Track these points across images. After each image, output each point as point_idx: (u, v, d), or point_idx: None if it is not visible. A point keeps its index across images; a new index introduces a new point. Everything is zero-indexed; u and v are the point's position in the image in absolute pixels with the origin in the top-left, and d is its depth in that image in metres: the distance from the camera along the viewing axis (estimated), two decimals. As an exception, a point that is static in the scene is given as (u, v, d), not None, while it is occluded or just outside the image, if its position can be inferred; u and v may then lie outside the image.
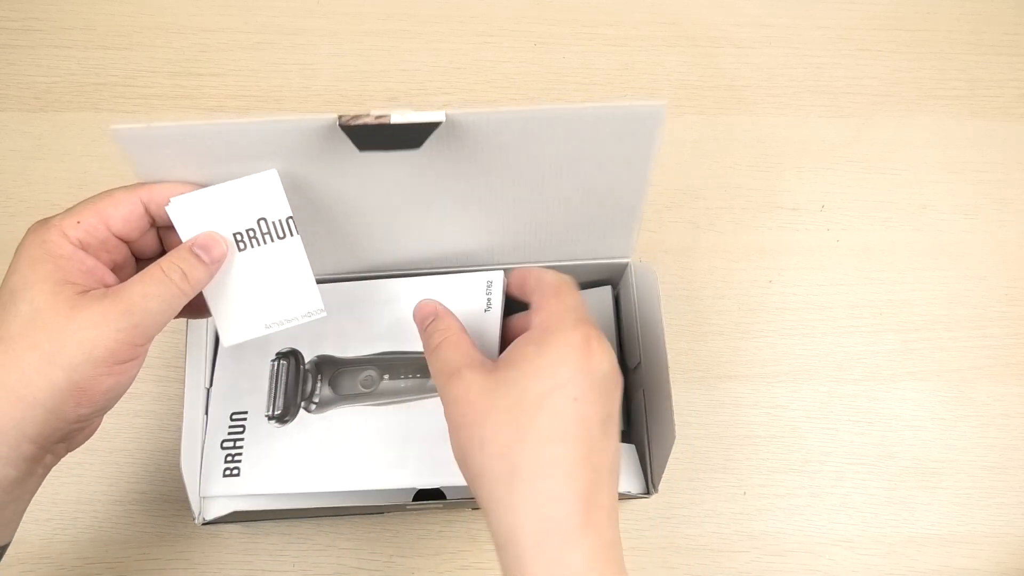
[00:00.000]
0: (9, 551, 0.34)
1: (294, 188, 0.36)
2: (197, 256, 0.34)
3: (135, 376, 0.34)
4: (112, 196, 0.34)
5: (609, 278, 0.49)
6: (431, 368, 0.36)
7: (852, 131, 0.60)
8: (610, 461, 0.32)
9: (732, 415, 0.53)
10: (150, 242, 0.36)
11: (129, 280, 0.33)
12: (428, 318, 0.38)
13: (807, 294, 0.56)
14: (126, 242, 0.35)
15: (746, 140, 0.59)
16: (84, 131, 0.58)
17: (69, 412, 0.31)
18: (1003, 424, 0.53)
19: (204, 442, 0.42)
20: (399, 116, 0.33)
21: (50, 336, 0.31)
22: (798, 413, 0.53)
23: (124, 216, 0.34)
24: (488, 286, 0.42)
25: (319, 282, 0.38)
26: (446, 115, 0.33)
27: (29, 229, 0.33)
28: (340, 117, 0.33)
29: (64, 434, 0.33)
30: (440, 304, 0.38)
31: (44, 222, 0.33)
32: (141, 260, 0.36)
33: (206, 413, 0.43)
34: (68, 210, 0.34)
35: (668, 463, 0.40)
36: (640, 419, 0.44)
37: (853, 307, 0.55)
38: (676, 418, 0.40)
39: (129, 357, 0.32)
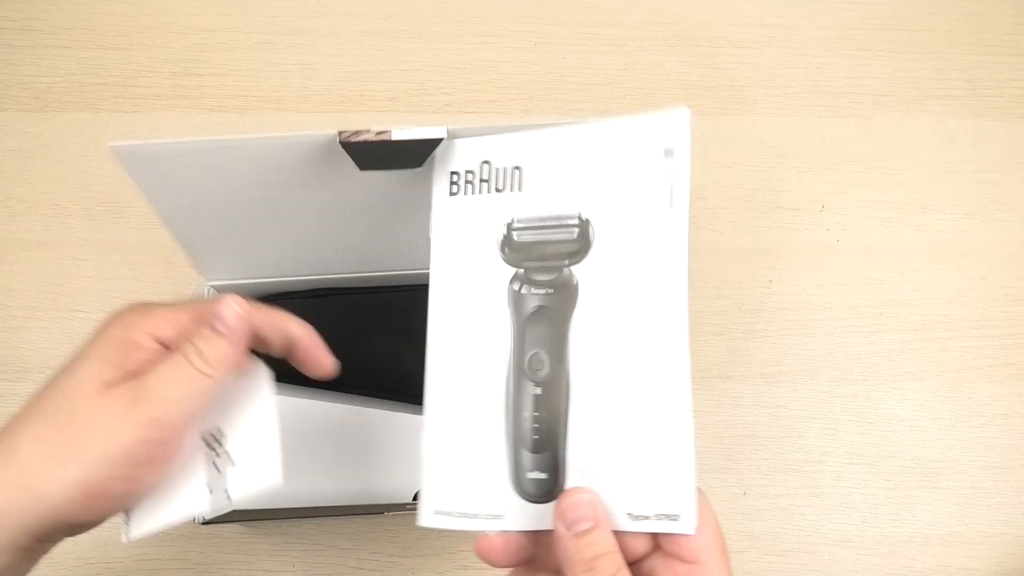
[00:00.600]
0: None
1: (295, 202, 0.36)
2: (211, 327, 0.30)
3: (153, 486, 0.30)
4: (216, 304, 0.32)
5: None
6: None
7: (852, 131, 0.60)
8: None
9: (732, 415, 0.52)
10: None
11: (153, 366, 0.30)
12: (583, 522, 0.28)
13: (807, 294, 0.56)
14: None
15: (746, 140, 0.59)
16: (84, 131, 0.58)
17: (73, 515, 0.28)
18: (1003, 424, 0.53)
19: None
20: (400, 132, 0.32)
21: (75, 423, 0.28)
22: (798, 413, 0.53)
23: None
24: (668, 153, 0.32)
25: (319, 284, 0.37)
26: (447, 131, 0.32)
27: (127, 305, 0.31)
28: (340, 133, 0.32)
29: (64, 531, 0.30)
30: (599, 503, 0.29)
31: (142, 304, 0.31)
32: None
33: None
34: (171, 305, 0.32)
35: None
36: None
37: (853, 307, 0.55)
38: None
39: (146, 459, 0.29)
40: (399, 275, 0.45)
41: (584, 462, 0.31)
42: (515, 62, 0.61)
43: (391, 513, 0.41)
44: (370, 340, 0.46)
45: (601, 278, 0.31)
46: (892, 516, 0.51)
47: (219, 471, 0.31)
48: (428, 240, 0.37)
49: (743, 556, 0.50)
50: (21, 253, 0.55)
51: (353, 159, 0.33)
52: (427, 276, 0.45)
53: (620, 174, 0.31)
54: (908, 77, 0.62)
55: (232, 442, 0.32)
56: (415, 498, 0.41)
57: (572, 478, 0.31)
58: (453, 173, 0.33)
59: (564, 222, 0.32)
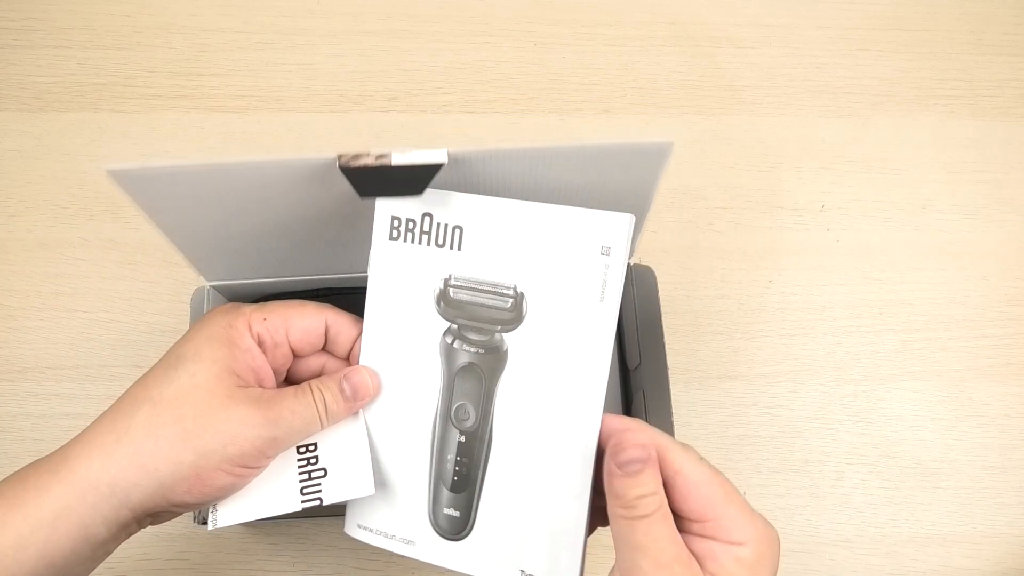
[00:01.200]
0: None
1: (295, 216, 0.36)
2: (342, 391, 0.34)
3: (241, 488, 0.34)
4: (303, 307, 0.36)
5: None
6: (626, 531, 0.29)
7: (852, 131, 0.60)
8: None
9: (732, 415, 0.52)
10: (312, 365, 0.37)
11: (283, 391, 0.34)
12: (636, 462, 0.29)
13: (807, 294, 0.56)
14: (294, 354, 0.36)
15: (746, 140, 0.59)
16: (84, 131, 0.58)
17: (177, 495, 0.31)
18: (1003, 424, 0.53)
19: None
20: (400, 157, 0.32)
21: (197, 416, 0.31)
22: (798, 413, 0.53)
23: (305, 329, 0.35)
24: (604, 252, 0.32)
25: (318, 284, 0.37)
26: (448, 155, 0.32)
27: (221, 308, 0.35)
28: (340, 157, 0.32)
29: (159, 512, 0.33)
30: (659, 437, 0.31)
31: (236, 307, 0.35)
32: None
33: None
34: (259, 304, 0.35)
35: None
36: (640, 418, 0.44)
37: (853, 307, 0.55)
38: (676, 418, 0.40)
39: (254, 464, 0.33)
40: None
41: (494, 509, 0.34)
42: (515, 62, 0.61)
43: None
44: None
45: (530, 350, 0.33)
46: (892, 516, 0.51)
47: (311, 478, 0.35)
48: None
49: (743, 556, 0.50)
50: (21, 253, 0.55)
51: (353, 186, 0.33)
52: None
53: (558, 259, 0.32)
54: (908, 77, 0.62)
55: (326, 453, 0.35)
56: None
57: (482, 520, 0.34)
58: (394, 218, 0.35)
59: (500, 290, 0.33)
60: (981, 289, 0.56)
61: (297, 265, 0.44)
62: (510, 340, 0.33)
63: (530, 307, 0.33)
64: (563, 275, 0.32)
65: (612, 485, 0.29)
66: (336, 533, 0.49)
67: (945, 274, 0.57)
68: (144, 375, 0.33)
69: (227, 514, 0.34)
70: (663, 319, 0.43)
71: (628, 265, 0.45)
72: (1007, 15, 0.64)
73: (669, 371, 0.41)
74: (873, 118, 0.61)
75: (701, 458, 0.31)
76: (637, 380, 0.45)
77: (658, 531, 0.29)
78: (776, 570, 0.30)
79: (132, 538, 0.43)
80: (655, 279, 0.44)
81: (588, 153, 0.33)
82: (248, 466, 0.33)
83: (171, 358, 0.33)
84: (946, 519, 0.51)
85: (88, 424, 0.32)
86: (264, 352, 0.35)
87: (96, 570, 0.48)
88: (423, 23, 0.62)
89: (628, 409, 0.48)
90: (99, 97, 0.59)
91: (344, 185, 0.33)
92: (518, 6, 0.63)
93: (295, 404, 0.33)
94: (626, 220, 0.31)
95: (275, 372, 0.35)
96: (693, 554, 0.29)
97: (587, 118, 0.59)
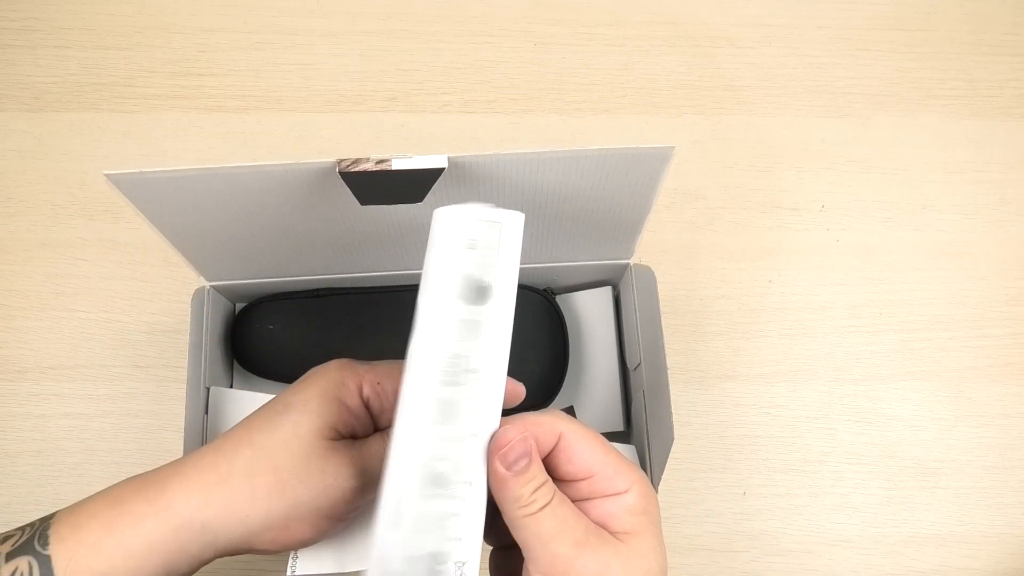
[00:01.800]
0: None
1: (295, 219, 0.36)
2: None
3: (325, 538, 0.34)
4: None
5: (610, 278, 0.49)
6: (533, 527, 0.29)
7: (852, 131, 0.60)
8: None
9: (732, 415, 0.52)
10: None
11: (375, 437, 0.34)
12: (522, 458, 0.29)
13: (807, 294, 0.56)
14: None
15: (746, 140, 0.59)
16: (84, 131, 0.58)
17: (262, 542, 0.32)
18: (1003, 424, 0.53)
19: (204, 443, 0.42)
20: (400, 162, 0.32)
21: (293, 467, 0.31)
22: (798, 413, 0.53)
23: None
24: (470, 246, 0.29)
25: (319, 284, 0.37)
26: (448, 160, 0.32)
27: (336, 363, 0.35)
28: (340, 163, 0.32)
29: (235, 551, 0.33)
30: (527, 419, 0.30)
31: (351, 365, 0.34)
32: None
33: (205, 412, 0.43)
34: (373, 365, 0.35)
35: (668, 463, 0.40)
36: (640, 420, 0.44)
37: (853, 307, 0.55)
38: (676, 418, 0.40)
39: (342, 515, 0.33)
40: (399, 275, 0.46)
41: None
42: (515, 62, 0.61)
43: None
44: (369, 340, 0.46)
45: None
46: (892, 516, 0.51)
47: None
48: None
49: (743, 556, 0.50)
50: (21, 253, 0.55)
51: (353, 193, 0.33)
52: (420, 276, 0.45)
53: (428, 256, 0.30)
54: (908, 77, 0.62)
55: None
56: None
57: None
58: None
59: None
60: (981, 289, 0.56)
61: (298, 266, 0.44)
62: None
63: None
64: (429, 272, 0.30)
65: (507, 489, 0.29)
66: (336, 533, 0.49)
67: (945, 274, 0.57)
68: (252, 416, 0.33)
69: (305, 565, 0.35)
70: (663, 319, 0.43)
71: (628, 265, 0.46)
72: (1007, 15, 0.64)
73: (669, 372, 0.41)
74: (873, 118, 0.61)
75: (569, 417, 0.31)
76: (637, 380, 0.45)
77: (564, 512, 0.29)
78: (658, 513, 0.31)
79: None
80: (655, 279, 0.44)
81: (588, 158, 0.33)
82: (337, 518, 0.33)
83: (279, 404, 0.33)
84: (946, 519, 0.51)
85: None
86: (371, 413, 0.34)
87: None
88: (423, 23, 0.62)
89: (629, 410, 0.48)
90: (99, 97, 0.59)
91: (344, 190, 0.33)
92: (518, 6, 0.63)
93: (382, 447, 0.33)
94: (496, 216, 0.29)
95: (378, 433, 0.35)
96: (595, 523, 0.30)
97: (587, 118, 0.59)
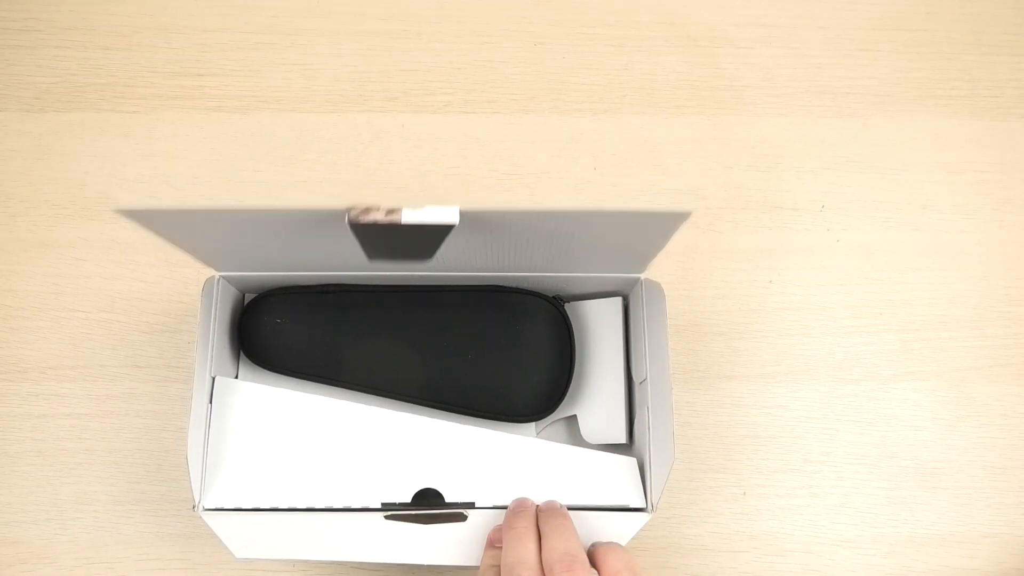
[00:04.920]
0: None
1: (307, 241, 0.36)
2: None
3: None
4: None
5: (620, 289, 0.49)
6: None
7: (852, 131, 0.60)
8: None
9: (732, 415, 0.53)
10: None
11: None
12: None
13: (807, 294, 0.56)
14: None
15: (746, 140, 0.59)
16: (84, 131, 0.58)
17: None
18: (1003, 424, 0.53)
19: (207, 435, 0.42)
20: (410, 215, 0.30)
21: None
22: (798, 413, 0.53)
23: None
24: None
25: (328, 279, 0.37)
26: (460, 213, 0.31)
27: None
28: (349, 211, 0.31)
29: None
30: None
31: None
32: None
33: (210, 401, 0.43)
34: None
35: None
36: (643, 437, 0.43)
37: (853, 307, 0.55)
38: (676, 418, 0.40)
39: None
40: (408, 275, 0.45)
41: None
42: (515, 62, 0.61)
43: (388, 514, 0.41)
44: (375, 339, 0.46)
45: None
46: (892, 516, 0.51)
47: None
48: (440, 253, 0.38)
49: (743, 556, 0.50)
50: (21, 253, 0.55)
51: (362, 246, 0.33)
52: (433, 278, 0.45)
53: None
54: (908, 77, 0.62)
55: None
56: (414, 498, 0.42)
57: None
58: None
59: None
60: (981, 289, 0.56)
61: (309, 261, 0.44)
62: None
63: None
64: None
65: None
66: (336, 533, 0.49)
67: (945, 274, 0.57)
68: None
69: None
70: (668, 331, 0.43)
71: (639, 280, 0.46)
72: (1007, 15, 0.64)
73: (672, 384, 0.41)
74: (873, 118, 0.61)
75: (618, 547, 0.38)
76: (642, 395, 0.44)
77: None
78: None
79: (132, 538, 0.43)
80: (664, 296, 0.44)
81: (604, 217, 0.34)
82: None
83: None
84: (946, 519, 0.51)
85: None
86: None
87: (96, 570, 0.48)
88: (423, 23, 0.62)
89: (632, 424, 0.47)
90: (99, 97, 0.59)
91: (349, 245, 0.34)
92: (518, 6, 0.63)
93: None
94: None
95: None
96: None
97: (587, 118, 0.59)
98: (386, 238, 0.32)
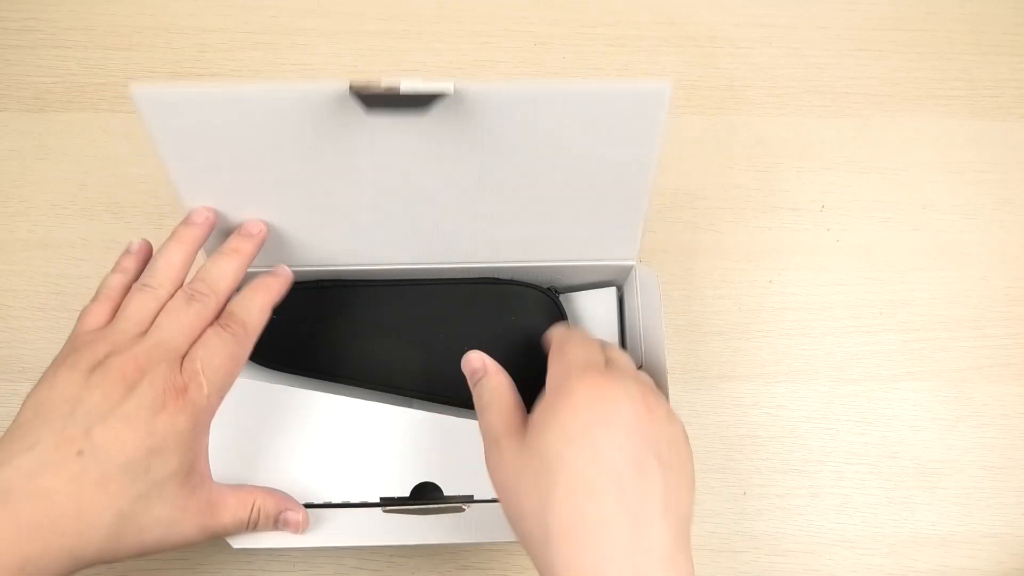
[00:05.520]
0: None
1: (302, 160, 0.37)
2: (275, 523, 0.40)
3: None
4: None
5: (614, 279, 0.49)
6: (479, 424, 0.37)
7: (852, 131, 0.60)
8: (652, 501, 0.29)
9: (732, 415, 0.53)
10: None
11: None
12: (477, 373, 0.38)
13: (807, 294, 0.56)
14: None
15: (746, 140, 0.59)
16: (84, 131, 0.58)
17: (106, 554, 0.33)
18: (1003, 424, 0.53)
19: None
20: (408, 85, 0.33)
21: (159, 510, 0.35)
22: (798, 413, 0.53)
23: None
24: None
25: (323, 275, 0.37)
26: (454, 87, 0.34)
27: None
28: (352, 84, 0.33)
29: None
30: (488, 359, 0.38)
31: None
32: None
33: None
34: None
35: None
36: None
37: (853, 307, 0.55)
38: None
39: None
40: (403, 269, 0.45)
41: None
42: (515, 62, 0.61)
43: (388, 510, 0.41)
44: (372, 333, 0.46)
45: None
46: (892, 516, 0.51)
47: None
48: (432, 231, 0.40)
49: (743, 556, 0.50)
50: (21, 253, 0.55)
51: (362, 102, 0.34)
52: (429, 271, 0.45)
53: None
54: (908, 77, 0.62)
55: None
56: (412, 492, 0.42)
57: None
58: None
59: None
60: (981, 289, 0.56)
61: (302, 251, 0.44)
62: None
63: None
64: None
65: (473, 395, 0.39)
66: (336, 533, 0.49)
67: (945, 274, 0.57)
68: None
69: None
70: (663, 319, 0.43)
71: (632, 267, 0.46)
72: (1007, 15, 0.64)
73: (668, 376, 0.41)
74: (873, 118, 0.61)
75: (569, 328, 0.40)
76: None
77: (499, 404, 0.36)
78: (573, 417, 0.32)
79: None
80: (658, 282, 0.44)
81: (586, 94, 0.35)
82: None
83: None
84: (946, 519, 0.51)
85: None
86: None
87: (96, 570, 0.48)
88: (423, 23, 0.62)
89: None
90: (99, 97, 0.59)
91: (352, 124, 0.36)
92: (518, 6, 0.63)
93: (230, 525, 0.38)
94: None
95: None
96: None
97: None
98: (383, 99, 0.34)
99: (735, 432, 0.52)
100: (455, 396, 0.46)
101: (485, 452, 0.35)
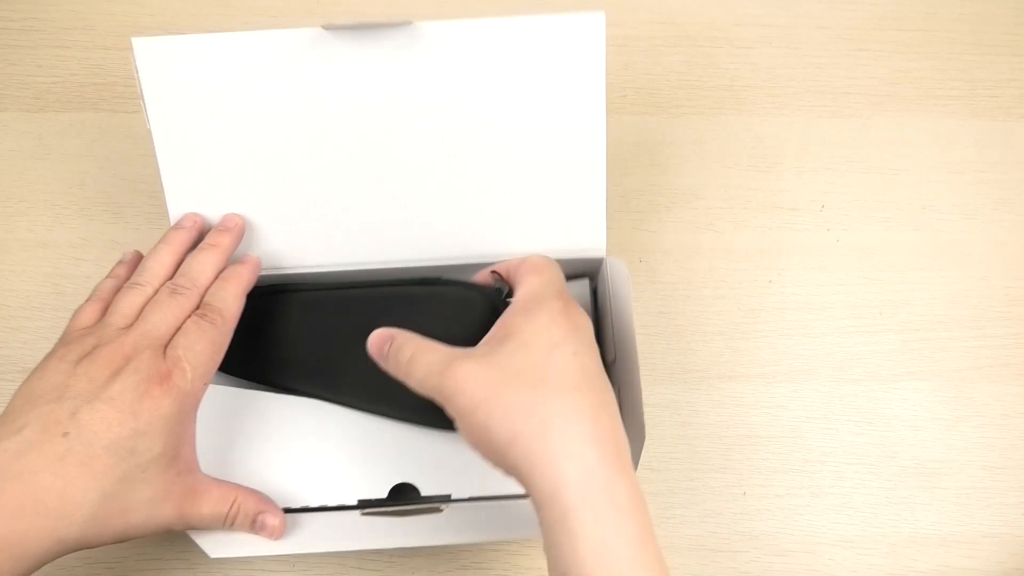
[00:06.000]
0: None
1: (283, 105, 0.43)
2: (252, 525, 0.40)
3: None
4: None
5: (587, 272, 0.48)
6: (413, 381, 0.35)
7: (852, 131, 0.60)
8: (616, 406, 0.34)
9: (732, 415, 0.53)
10: None
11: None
12: (385, 343, 0.37)
13: (807, 294, 0.56)
14: None
15: (746, 140, 0.59)
16: (84, 131, 0.58)
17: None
18: (1003, 424, 0.53)
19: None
20: (373, 20, 0.42)
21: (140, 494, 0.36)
22: (798, 413, 0.53)
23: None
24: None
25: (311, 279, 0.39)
26: (413, 23, 0.41)
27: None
28: (324, 26, 0.42)
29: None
30: (392, 328, 0.38)
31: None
32: None
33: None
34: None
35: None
36: None
37: (853, 307, 0.55)
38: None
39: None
40: (393, 268, 0.45)
41: None
42: (515, 62, 0.61)
43: (365, 512, 0.40)
44: (315, 342, 0.44)
45: None
46: (892, 516, 0.51)
47: None
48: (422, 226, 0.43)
49: (743, 556, 0.50)
50: (21, 253, 0.55)
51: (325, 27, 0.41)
52: (374, 272, 0.45)
53: None
54: (908, 77, 0.62)
55: None
56: (390, 494, 0.42)
57: None
58: None
59: None
60: (981, 289, 0.56)
61: (288, 248, 0.44)
62: None
63: None
64: None
65: (391, 366, 0.37)
66: (336, 533, 0.49)
67: (945, 274, 0.57)
68: None
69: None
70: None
71: (602, 260, 0.45)
72: (1007, 15, 0.64)
73: (640, 369, 0.40)
74: (873, 118, 0.61)
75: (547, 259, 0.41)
76: (614, 376, 0.44)
77: (424, 346, 0.36)
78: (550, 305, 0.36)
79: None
80: (627, 274, 0.44)
81: (527, 23, 0.43)
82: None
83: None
84: (946, 519, 0.51)
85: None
86: None
87: (96, 570, 0.48)
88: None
89: None
90: (99, 97, 0.59)
91: (324, 65, 0.43)
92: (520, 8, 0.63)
93: (208, 519, 0.38)
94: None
95: None
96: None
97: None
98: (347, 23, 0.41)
99: (735, 432, 0.52)
100: (403, 414, 0.43)
101: (437, 386, 0.34)
